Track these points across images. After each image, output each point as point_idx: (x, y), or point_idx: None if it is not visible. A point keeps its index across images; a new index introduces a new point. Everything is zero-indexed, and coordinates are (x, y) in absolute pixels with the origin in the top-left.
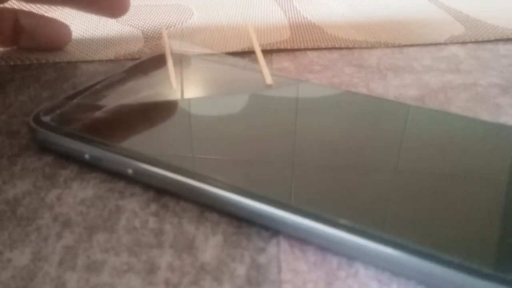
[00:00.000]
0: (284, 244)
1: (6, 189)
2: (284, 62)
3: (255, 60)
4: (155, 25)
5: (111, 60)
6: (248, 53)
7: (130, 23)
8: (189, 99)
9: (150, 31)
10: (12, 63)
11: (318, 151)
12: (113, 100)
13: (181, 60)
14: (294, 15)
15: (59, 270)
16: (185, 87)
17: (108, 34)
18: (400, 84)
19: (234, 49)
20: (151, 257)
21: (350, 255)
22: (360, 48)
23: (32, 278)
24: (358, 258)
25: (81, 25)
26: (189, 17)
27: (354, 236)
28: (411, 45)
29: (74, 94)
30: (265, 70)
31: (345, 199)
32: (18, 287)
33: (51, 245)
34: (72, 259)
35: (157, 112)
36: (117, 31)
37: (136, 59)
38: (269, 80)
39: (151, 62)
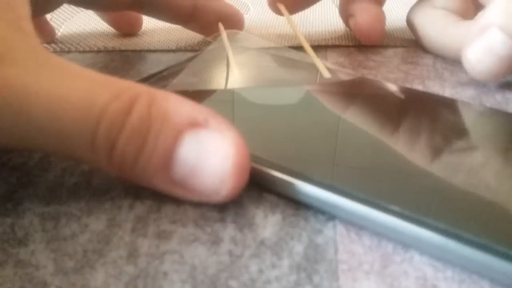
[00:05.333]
0: (340, 227)
1: (82, 163)
2: (339, 58)
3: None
4: None
5: (172, 51)
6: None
7: None
8: (247, 88)
9: None
10: (81, 49)
11: (374, 141)
12: (180, 85)
13: (240, 51)
14: None
15: (132, 236)
16: (245, 77)
17: (170, 26)
18: (456, 82)
19: (289, 44)
20: (215, 230)
21: (405, 242)
22: (416, 47)
23: (108, 242)
24: (412, 246)
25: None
26: (245, 12)
27: (408, 223)
28: None
29: (144, 78)
30: (319, 64)
31: (401, 188)
32: (96, 249)
33: (124, 213)
34: (143, 227)
35: (220, 97)
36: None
37: (196, 50)
38: (326, 73)
39: (212, 53)
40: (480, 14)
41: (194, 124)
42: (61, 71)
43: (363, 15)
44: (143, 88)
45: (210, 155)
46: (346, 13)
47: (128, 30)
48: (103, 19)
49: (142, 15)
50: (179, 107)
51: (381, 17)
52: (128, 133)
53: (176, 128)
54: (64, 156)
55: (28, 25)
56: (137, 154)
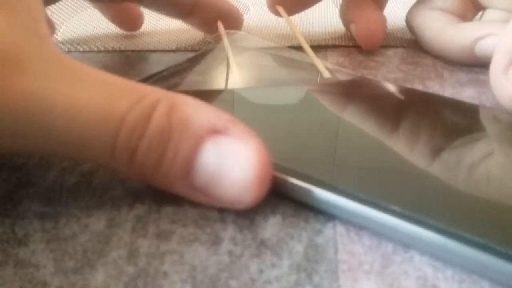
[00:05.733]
0: (340, 227)
1: (82, 163)
2: (339, 58)
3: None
4: None
5: (172, 51)
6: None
7: None
8: (247, 88)
9: None
10: (81, 49)
11: (375, 141)
12: (181, 85)
13: (241, 51)
14: None
15: (132, 236)
16: (245, 77)
17: (170, 26)
18: (456, 82)
19: (288, 44)
20: (215, 230)
21: (405, 242)
22: (416, 47)
23: (108, 242)
24: (412, 246)
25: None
26: (245, 12)
27: (408, 223)
28: None
29: (144, 78)
30: (320, 64)
31: (401, 188)
32: (95, 249)
33: (124, 213)
34: (143, 227)
35: (221, 98)
36: (178, 24)
37: (196, 50)
38: (326, 73)
39: (215, 53)
40: (481, 16)
41: (214, 131)
42: (79, 76)
43: (363, 22)
44: (162, 94)
45: (232, 164)
46: (346, 19)
47: (130, 26)
48: (105, 15)
49: (143, 13)
50: (199, 113)
51: (382, 23)
52: (148, 140)
53: (197, 135)
54: (83, 162)
55: (43, 27)
56: (157, 162)
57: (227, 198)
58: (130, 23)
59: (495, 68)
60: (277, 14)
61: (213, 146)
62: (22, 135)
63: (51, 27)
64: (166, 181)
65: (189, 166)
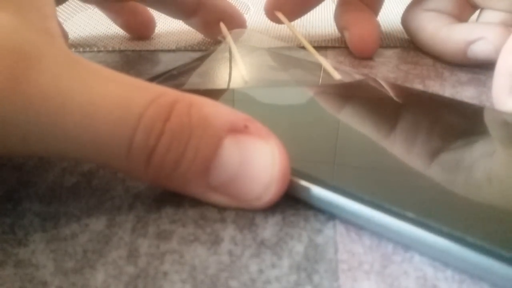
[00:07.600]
0: (340, 227)
1: (82, 163)
2: (339, 57)
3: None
4: None
5: (172, 51)
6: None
7: None
8: (250, 88)
9: None
10: (81, 49)
11: (376, 141)
12: (191, 85)
13: (248, 50)
14: None
15: (132, 236)
16: (252, 76)
17: (170, 26)
18: (456, 82)
19: (289, 45)
20: (215, 230)
21: (405, 244)
22: (415, 47)
23: (108, 242)
24: (412, 247)
25: None
26: (245, 12)
27: (408, 225)
28: None
29: (153, 77)
30: (328, 66)
31: (403, 189)
32: (95, 249)
33: (124, 213)
34: (143, 227)
35: (228, 97)
36: (178, 24)
37: (196, 50)
38: (336, 75)
39: (222, 51)
40: (478, 16)
41: (234, 130)
42: (93, 75)
43: (356, 31)
44: (178, 93)
45: (254, 162)
46: (340, 24)
47: (141, 33)
48: (115, 22)
49: (154, 18)
50: (219, 113)
51: (375, 32)
52: (168, 139)
53: (218, 134)
54: (96, 164)
55: (54, 25)
56: (177, 161)
57: (247, 196)
58: (142, 30)
59: (499, 90)
60: (276, 21)
61: (233, 145)
62: (36, 135)
63: (64, 34)
64: (182, 181)
65: (208, 164)
